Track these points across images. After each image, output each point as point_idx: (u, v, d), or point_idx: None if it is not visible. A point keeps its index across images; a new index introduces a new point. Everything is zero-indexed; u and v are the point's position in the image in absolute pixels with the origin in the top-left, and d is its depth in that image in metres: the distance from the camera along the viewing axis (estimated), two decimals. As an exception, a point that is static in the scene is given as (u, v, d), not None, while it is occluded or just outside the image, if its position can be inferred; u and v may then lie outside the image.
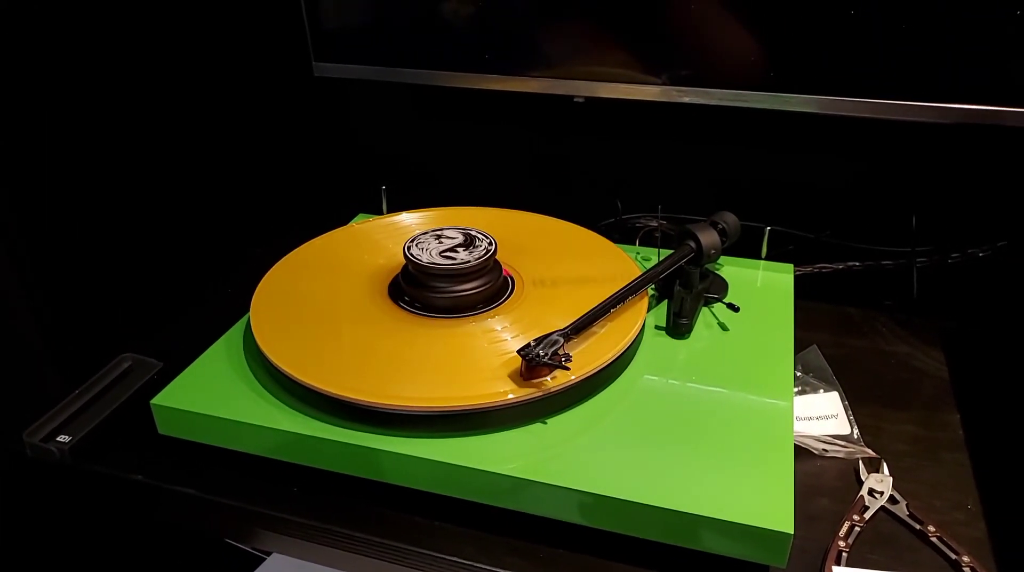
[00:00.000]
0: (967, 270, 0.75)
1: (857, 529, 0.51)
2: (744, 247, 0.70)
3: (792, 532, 0.45)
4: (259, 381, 0.57)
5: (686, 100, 0.70)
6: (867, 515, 0.53)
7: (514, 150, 0.88)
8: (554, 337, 0.53)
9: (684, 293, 0.62)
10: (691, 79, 0.69)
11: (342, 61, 0.78)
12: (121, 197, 0.69)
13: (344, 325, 0.60)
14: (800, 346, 0.66)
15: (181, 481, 0.56)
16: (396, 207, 0.77)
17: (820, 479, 0.56)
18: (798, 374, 0.63)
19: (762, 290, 0.67)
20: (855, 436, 0.59)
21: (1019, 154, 0.72)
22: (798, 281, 0.69)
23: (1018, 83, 0.61)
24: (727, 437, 0.52)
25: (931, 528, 0.51)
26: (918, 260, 0.74)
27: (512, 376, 0.53)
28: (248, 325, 0.60)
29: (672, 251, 0.65)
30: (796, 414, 0.59)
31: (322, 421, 0.53)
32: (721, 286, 0.67)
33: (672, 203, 0.74)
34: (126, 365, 0.64)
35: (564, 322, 0.55)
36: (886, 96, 0.64)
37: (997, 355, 0.68)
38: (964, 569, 0.49)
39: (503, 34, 0.72)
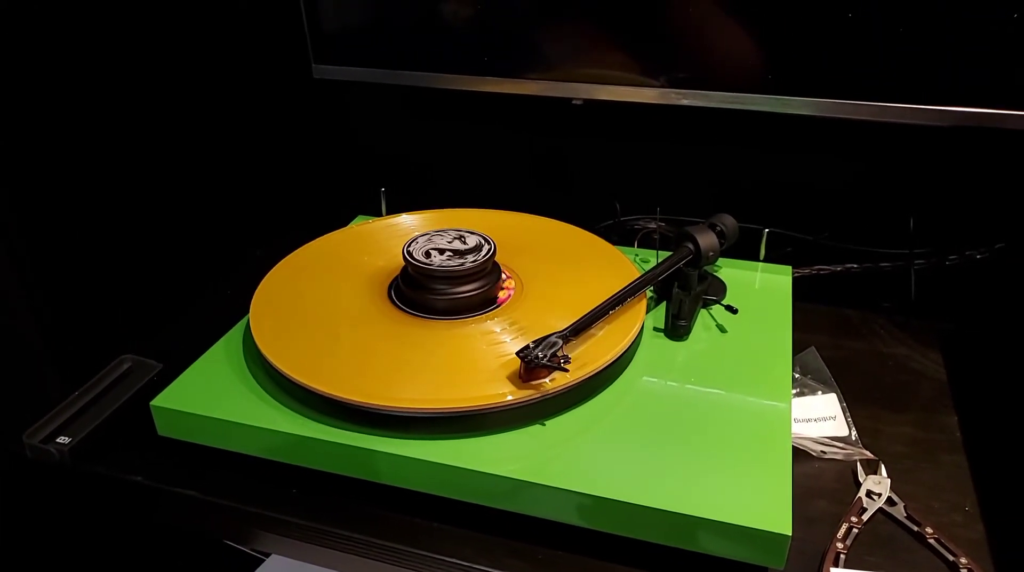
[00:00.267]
0: (965, 272, 0.75)
1: (855, 531, 0.52)
2: (742, 249, 0.70)
3: (790, 534, 0.45)
4: (258, 383, 0.57)
5: (685, 103, 0.70)
6: (865, 517, 0.53)
7: (513, 152, 0.88)
8: (553, 339, 0.53)
9: (682, 295, 0.62)
10: (690, 82, 0.69)
11: (342, 63, 0.78)
12: (121, 198, 0.69)
13: (343, 327, 0.60)
14: (798, 348, 0.66)
15: (181, 482, 0.56)
16: (395, 209, 0.77)
17: (818, 481, 0.56)
18: (796, 376, 0.63)
19: (760, 292, 0.67)
20: (853, 438, 0.59)
21: (1017, 156, 0.72)
22: (796, 283, 0.69)
23: (1018, 86, 0.61)
24: (725, 439, 0.52)
25: (929, 530, 0.51)
26: (916, 262, 0.74)
27: (511, 378, 0.53)
28: (248, 326, 0.60)
29: (670, 253, 0.65)
30: (794, 416, 0.59)
31: (321, 423, 0.53)
32: (719, 288, 0.67)
33: (670, 205, 0.75)
34: (126, 366, 0.64)
35: (563, 324, 0.55)
36: (885, 99, 0.64)
37: (995, 357, 0.68)
38: (962, 571, 0.49)
39: (502, 36, 0.72)
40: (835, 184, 0.79)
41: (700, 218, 0.69)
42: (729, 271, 0.70)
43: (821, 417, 0.60)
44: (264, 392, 0.56)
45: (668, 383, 0.57)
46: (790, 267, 0.71)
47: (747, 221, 0.70)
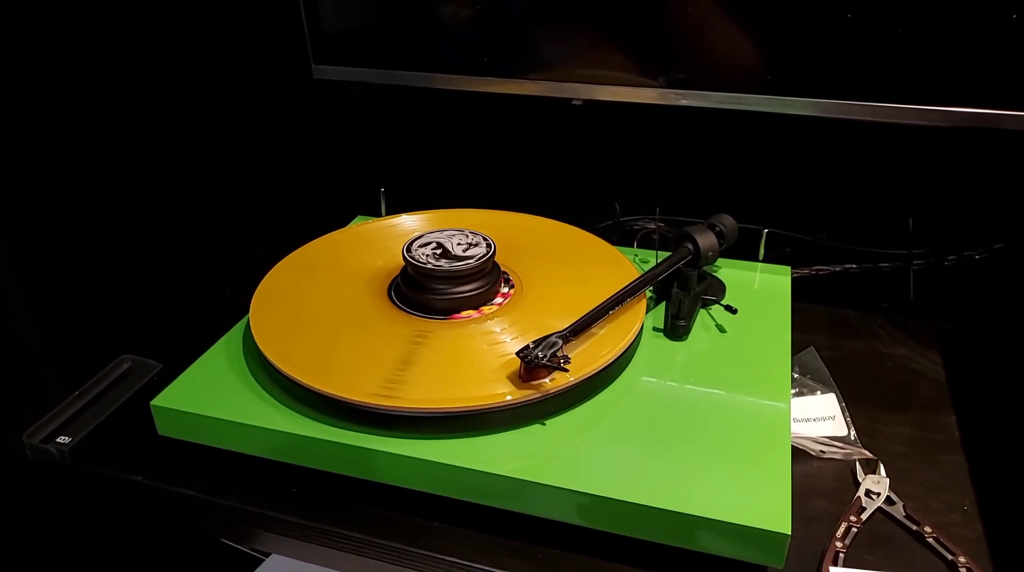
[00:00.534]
0: (964, 272, 0.75)
1: (854, 530, 0.52)
2: (741, 249, 0.70)
3: (789, 533, 0.45)
4: (258, 382, 0.57)
5: (684, 103, 0.70)
6: (864, 516, 0.53)
7: (513, 152, 0.88)
8: (553, 339, 0.53)
9: (682, 295, 0.62)
10: (689, 82, 0.69)
11: (341, 64, 0.78)
12: (121, 198, 0.69)
13: (343, 327, 0.60)
14: (797, 348, 0.66)
15: (181, 482, 0.56)
16: (395, 209, 0.77)
17: (817, 480, 0.56)
18: (795, 376, 0.63)
19: (759, 292, 0.68)
20: (852, 437, 0.59)
21: (1016, 156, 0.72)
22: (795, 283, 0.70)
23: (1017, 86, 0.61)
24: (725, 438, 0.52)
25: (928, 529, 0.51)
26: (915, 262, 0.74)
27: (511, 378, 0.53)
28: (248, 326, 0.60)
29: (670, 253, 0.65)
30: (793, 416, 0.59)
31: (321, 422, 0.53)
32: (719, 288, 0.68)
33: (670, 205, 0.75)
34: (126, 366, 0.64)
35: (563, 324, 0.55)
36: (885, 99, 0.64)
37: (994, 357, 0.68)
38: (960, 570, 0.49)
39: (502, 36, 0.72)
40: (834, 184, 0.79)
41: (699, 218, 0.69)
42: (728, 271, 0.70)
43: (820, 417, 0.60)
44: (264, 392, 0.56)
45: (668, 383, 0.57)
46: (789, 267, 0.71)
47: (746, 221, 0.70)
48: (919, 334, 0.71)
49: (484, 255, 0.60)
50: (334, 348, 0.57)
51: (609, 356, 0.55)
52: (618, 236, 0.77)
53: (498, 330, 0.59)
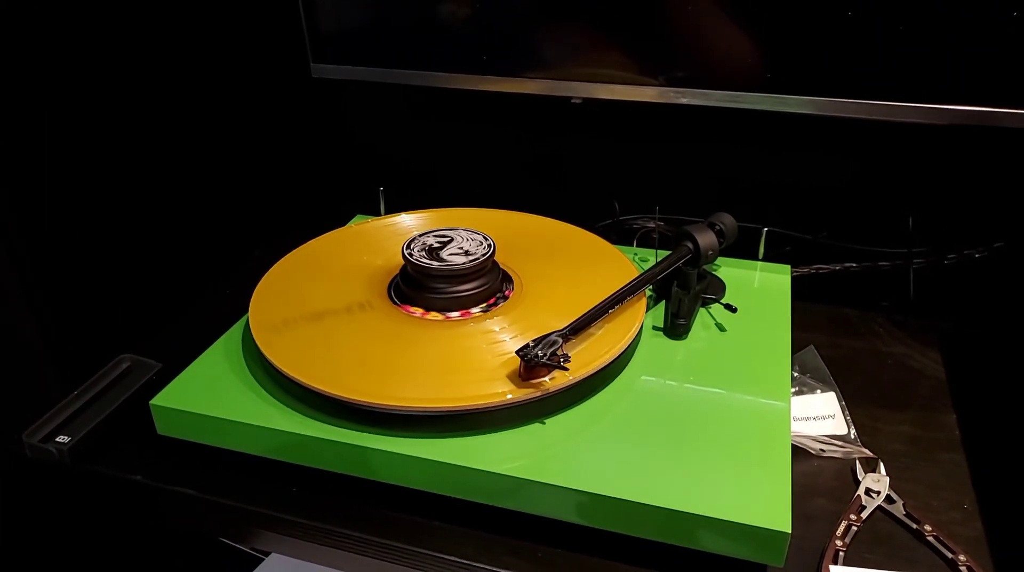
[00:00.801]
0: (964, 271, 0.75)
1: (854, 528, 0.52)
2: (741, 248, 0.70)
3: (789, 531, 0.45)
4: (258, 381, 0.57)
5: (684, 101, 0.70)
6: (864, 515, 0.53)
7: (512, 151, 0.88)
8: (552, 338, 0.53)
9: (682, 294, 0.62)
10: (688, 80, 0.69)
11: (340, 62, 0.78)
12: (121, 198, 0.69)
13: (343, 326, 0.60)
14: (797, 347, 0.66)
15: (180, 481, 0.56)
16: (394, 208, 0.77)
17: (817, 479, 0.56)
18: (795, 374, 0.63)
19: (759, 291, 0.68)
20: (852, 436, 0.59)
21: (1015, 155, 0.72)
22: (795, 282, 0.70)
23: (1017, 85, 0.61)
24: (725, 437, 0.52)
25: (928, 527, 0.51)
26: (915, 261, 0.74)
27: (511, 377, 0.53)
28: (247, 326, 0.60)
29: (670, 252, 0.65)
30: (793, 414, 0.59)
31: (321, 421, 0.53)
32: (718, 287, 0.68)
33: (670, 204, 0.75)
34: (125, 366, 0.64)
35: (562, 323, 0.55)
36: (884, 98, 0.64)
37: (994, 356, 0.68)
38: (960, 568, 0.49)
39: (501, 35, 0.72)
40: (834, 183, 0.79)
41: (699, 217, 0.69)
42: (728, 270, 0.70)
43: (820, 415, 0.60)
44: (264, 391, 0.56)
45: (667, 382, 0.57)
46: (789, 266, 0.71)
47: (746, 220, 0.70)
48: (919, 333, 0.71)
49: (484, 254, 0.60)
50: (333, 347, 0.57)
51: (609, 355, 0.55)
52: (618, 235, 0.77)
53: (498, 329, 0.59)
